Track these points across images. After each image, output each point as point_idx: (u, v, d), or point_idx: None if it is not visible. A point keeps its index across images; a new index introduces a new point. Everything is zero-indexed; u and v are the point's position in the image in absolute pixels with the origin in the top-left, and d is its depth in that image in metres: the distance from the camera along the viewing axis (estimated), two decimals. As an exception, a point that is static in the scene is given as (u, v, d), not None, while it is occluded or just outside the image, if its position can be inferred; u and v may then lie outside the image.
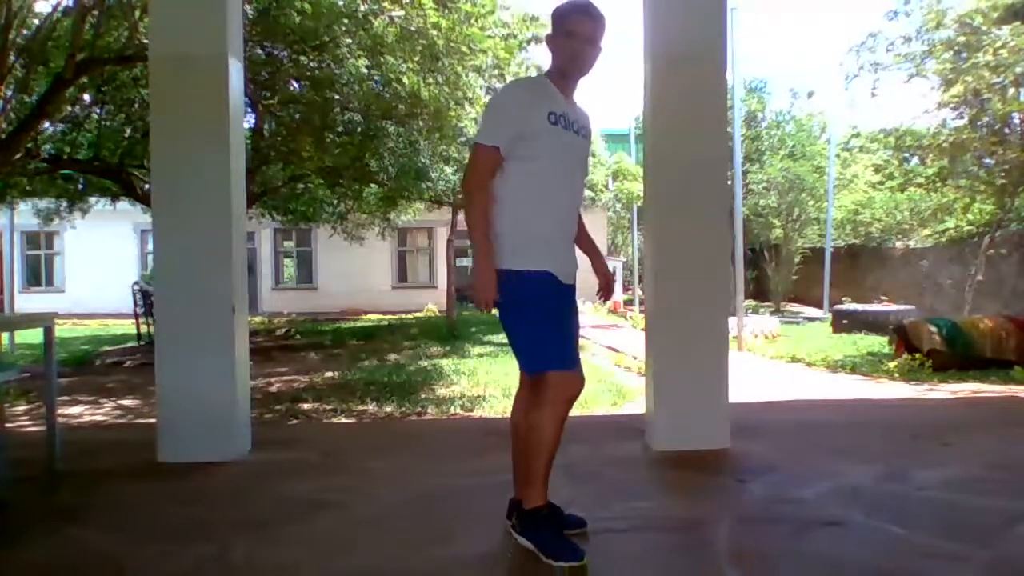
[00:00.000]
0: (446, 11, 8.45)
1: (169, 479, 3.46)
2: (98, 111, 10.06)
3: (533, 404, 2.44)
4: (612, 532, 2.67)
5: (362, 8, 8.28)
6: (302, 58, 8.85)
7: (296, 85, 9.67)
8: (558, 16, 2.53)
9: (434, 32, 8.17)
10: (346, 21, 8.16)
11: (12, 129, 8.10)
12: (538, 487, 2.43)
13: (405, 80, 8.66)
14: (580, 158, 2.58)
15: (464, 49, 8.60)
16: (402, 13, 8.27)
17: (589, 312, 19.09)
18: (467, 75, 9.30)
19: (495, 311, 2.46)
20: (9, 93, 8.48)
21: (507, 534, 2.57)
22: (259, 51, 8.96)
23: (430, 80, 8.95)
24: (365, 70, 8.50)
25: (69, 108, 9.74)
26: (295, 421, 6.46)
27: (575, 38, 2.47)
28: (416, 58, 8.60)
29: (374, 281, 23.62)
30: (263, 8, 8.15)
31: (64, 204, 13.22)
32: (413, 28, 8.25)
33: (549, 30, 2.57)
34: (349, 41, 8.29)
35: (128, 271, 20.84)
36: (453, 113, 9.70)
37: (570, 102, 2.53)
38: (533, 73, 13.59)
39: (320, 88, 8.97)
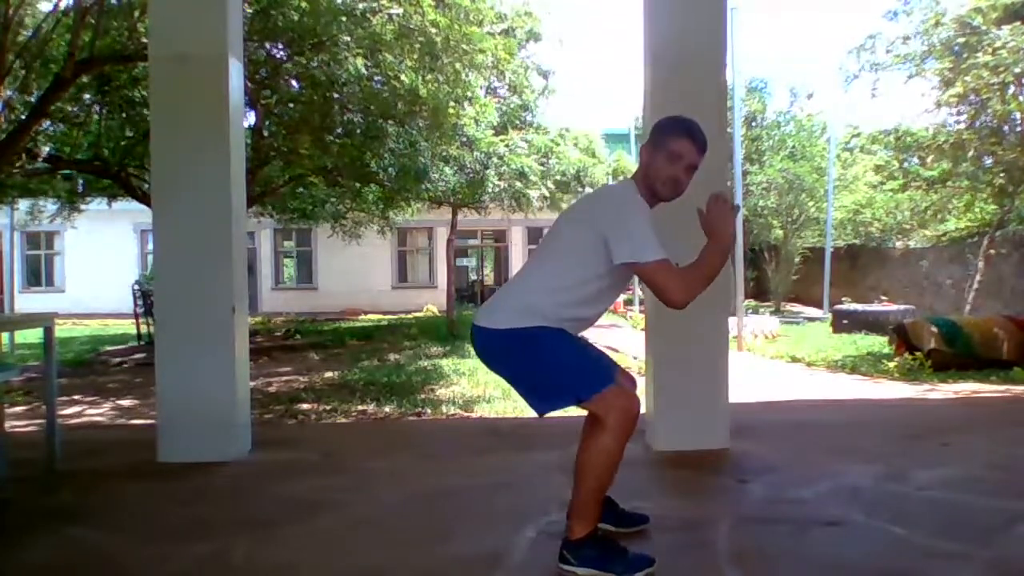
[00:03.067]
0: (444, 7, 8.44)
1: (169, 479, 3.45)
2: (98, 111, 10.06)
3: (599, 428, 2.28)
4: (613, 532, 2.67)
5: (360, 6, 8.28)
6: (301, 58, 8.84)
7: (296, 84, 9.66)
8: (661, 132, 2.43)
9: (433, 30, 8.16)
10: (344, 19, 8.15)
11: (12, 129, 8.10)
12: (590, 515, 2.31)
13: (404, 78, 8.65)
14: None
15: (463, 47, 8.58)
16: (400, 11, 8.25)
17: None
18: (466, 73, 9.29)
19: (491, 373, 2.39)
20: (9, 93, 8.47)
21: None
22: (260, 51, 8.95)
23: (429, 78, 8.94)
24: (364, 69, 8.50)
25: (69, 108, 9.73)
26: (295, 421, 6.46)
27: (679, 163, 2.38)
28: (415, 56, 8.59)
29: (374, 281, 23.63)
30: (262, 8, 8.14)
31: (61, 204, 13.21)
32: (412, 26, 8.24)
33: (649, 141, 2.46)
34: (348, 39, 8.28)
35: (128, 271, 20.83)
36: (452, 111, 9.69)
37: None
38: (533, 73, 13.61)
39: (319, 88, 8.96)
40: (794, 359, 10.63)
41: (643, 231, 2.28)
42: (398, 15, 8.26)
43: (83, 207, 13.62)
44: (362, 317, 20.60)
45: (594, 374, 2.34)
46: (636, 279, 2.74)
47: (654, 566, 2.28)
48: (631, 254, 2.27)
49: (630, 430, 2.27)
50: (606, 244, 2.29)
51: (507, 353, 2.40)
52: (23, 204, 14.09)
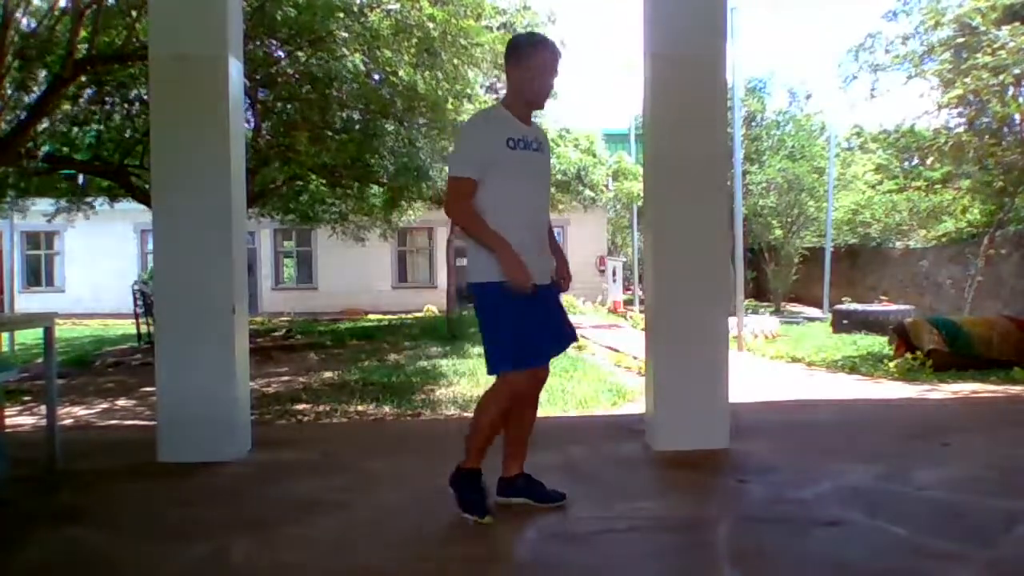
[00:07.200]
0: (441, 2, 8.43)
1: (169, 479, 3.46)
2: (98, 110, 10.05)
3: (493, 387, 2.79)
4: (613, 532, 2.67)
5: (358, 1, 8.26)
6: (299, 53, 8.82)
7: (294, 80, 9.64)
8: (517, 50, 2.77)
9: (430, 25, 8.13)
10: (341, 14, 8.13)
11: (10, 129, 8.10)
12: (474, 453, 2.80)
13: (402, 73, 8.63)
14: (541, 171, 2.88)
15: (461, 42, 8.55)
16: (398, 6, 8.24)
17: (589, 312, 19.12)
18: (465, 69, 9.26)
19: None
20: (8, 93, 8.46)
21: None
22: (259, 49, 8.93)
23: (427, 74, 8.92)
24: (362, 65, 8.47)
25: (69, 107, 9.72)
26: (294, 421, 6.45)
27: (535, 71, 2.73)
28: (412, 51, 8.57)
29: (374, 281, 23.60)
30: (259, 4, 8.12)
31: (62, 203, 13.19)
32: (410, 21, 8.21)
33: (511, 64, 2.78)
34: (345, 35, 8.26)
35: (128, 271, 20.81)
36: (451, 107, 9.66)
37: (527, 125, 2.81)
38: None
39: (318, 86, 8.94)
40: (794, 359, 10.63)
41: (460, 148, 2.80)
42: (395, 10, 8.24)
43: (83, 207, 13.60)
44: (362, 317, 20.58)
45: (507, 354, 2.68)
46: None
47: (484, 519, 2.69)
48: (449, 167, 2.82)
49: (505, 405, 2.72)
50: None
51: (475, 307, 2.82)
52: (35, 207, 14.07)
